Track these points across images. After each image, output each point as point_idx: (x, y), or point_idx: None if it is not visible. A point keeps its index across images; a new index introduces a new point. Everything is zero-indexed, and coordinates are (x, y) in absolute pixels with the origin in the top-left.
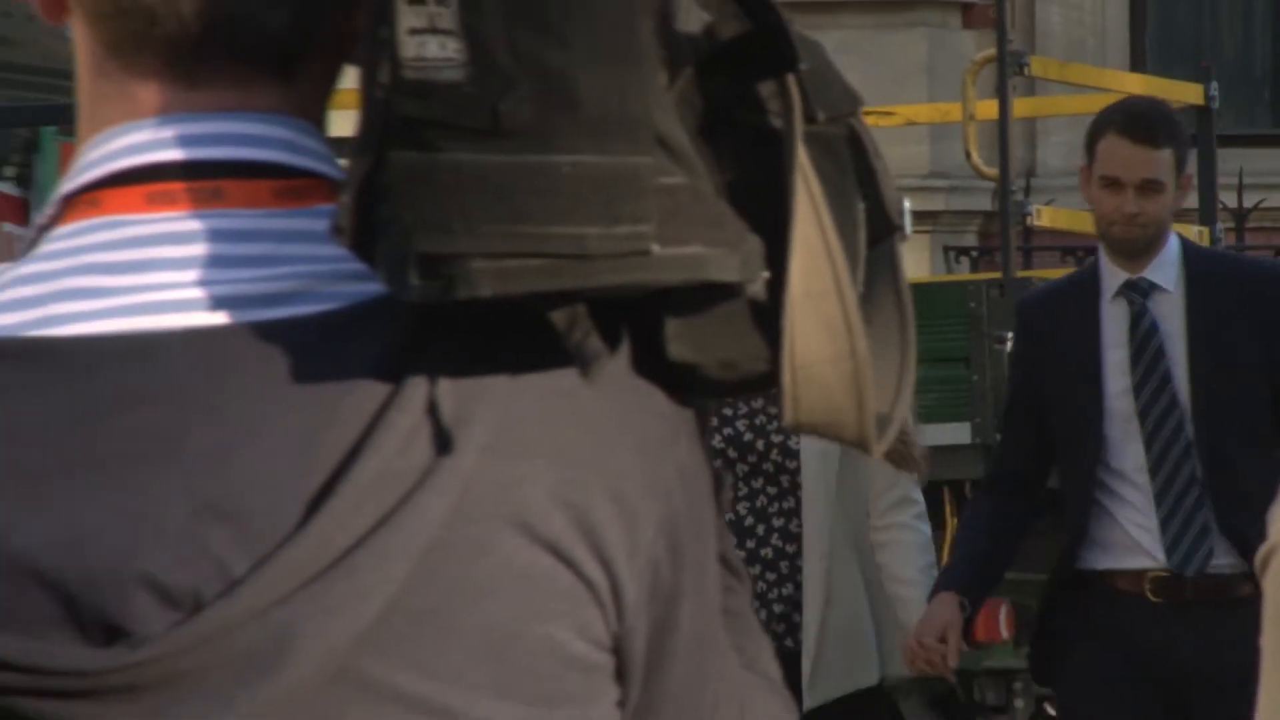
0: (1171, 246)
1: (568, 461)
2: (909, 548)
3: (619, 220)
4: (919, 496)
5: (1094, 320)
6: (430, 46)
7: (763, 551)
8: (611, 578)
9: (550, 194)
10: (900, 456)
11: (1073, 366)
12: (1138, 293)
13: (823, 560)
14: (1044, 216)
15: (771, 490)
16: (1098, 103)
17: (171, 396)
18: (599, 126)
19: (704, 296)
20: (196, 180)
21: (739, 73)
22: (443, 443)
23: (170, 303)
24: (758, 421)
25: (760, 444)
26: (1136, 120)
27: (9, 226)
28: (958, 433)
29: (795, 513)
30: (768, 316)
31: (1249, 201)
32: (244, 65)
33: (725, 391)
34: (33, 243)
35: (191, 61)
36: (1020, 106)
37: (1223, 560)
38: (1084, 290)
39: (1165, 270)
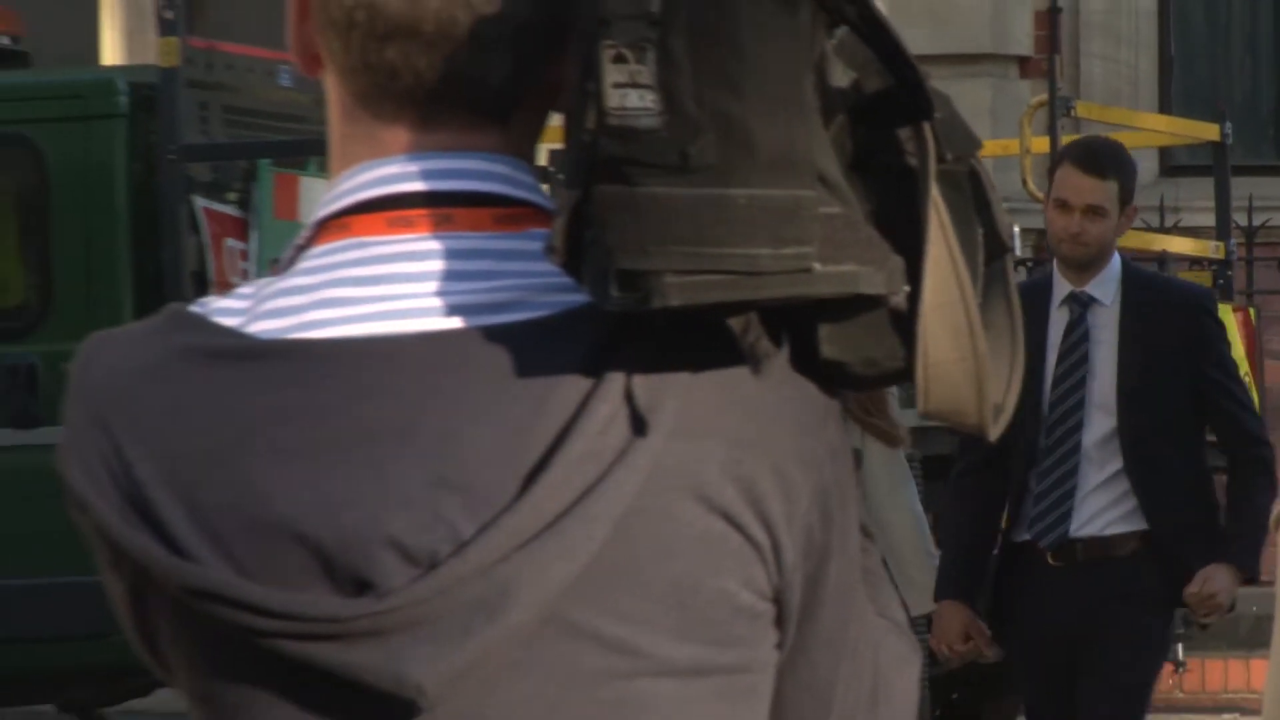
0: (1114, 266)
1: (738, 442)
2: (910, 529)
3: (786, 243)
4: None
5: (1042, 323)
6: (631, 98)
7: None
8: (773, 540)
9: (729, 221)
10: (890, 437)
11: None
12: (1079, 304)
13: None
14: None
15: None
16: (1131, 139)
17: (409, 388)
18: (770, 165)
19: (854, 306)
20: (430, 208)
21: (882, 120)
22: (638, 426)
23: (408, 310)
24: None
25: None
26: (1089, 154)
27: (230, 241)
28: None
29: None
30: (904, 322)
31: (1257, 220)
32: (470, 112)
33: (866, 385)
34: (291, 260)
35: (426, 109)
36: (1067, 142)
37: (1114, 528)
38: (1038, 296)
39: (1106, 286)
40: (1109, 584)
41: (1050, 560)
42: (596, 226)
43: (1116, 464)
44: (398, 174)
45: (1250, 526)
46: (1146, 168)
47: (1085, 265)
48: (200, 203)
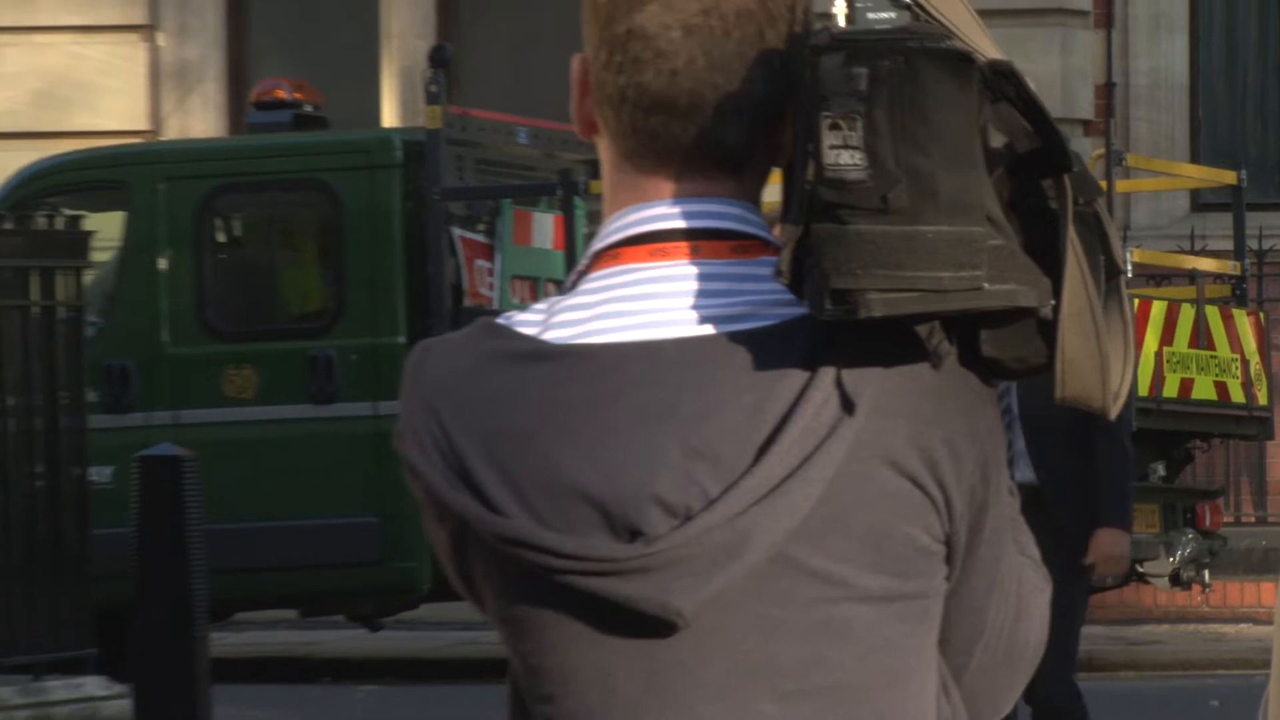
0: None
1: (920, 421)
2: None
3: (963, 268)
4: None
5: None
6: (843, 157)
7: None
8: (946, 496)
9: (919, 252)
10: None
11: None
12: None
13: None
14: (1135, 255)
15: None
16: (1169, 183)
17: (667, 381)
18: (950, 208)
19: (1011, 316)
20: (682, 241)
21: (1030, 172)
22: (846, 408)
23: (666, 321)
24: None
25: None
26: None
27: (480, 262)
28: None
29: None
30: (1046, 328)
31: (1266, 245)
32: (713, 167)
33: (1015, 377)
34: (574, 283)
35: (679, 165)
36: (1120, 185)
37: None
38: None
39: None
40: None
41: None
42: (815, 255)
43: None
44: (657, 215)
45: (1109, 488)
46: (1180, 205)
47: None
48: (457, 232)
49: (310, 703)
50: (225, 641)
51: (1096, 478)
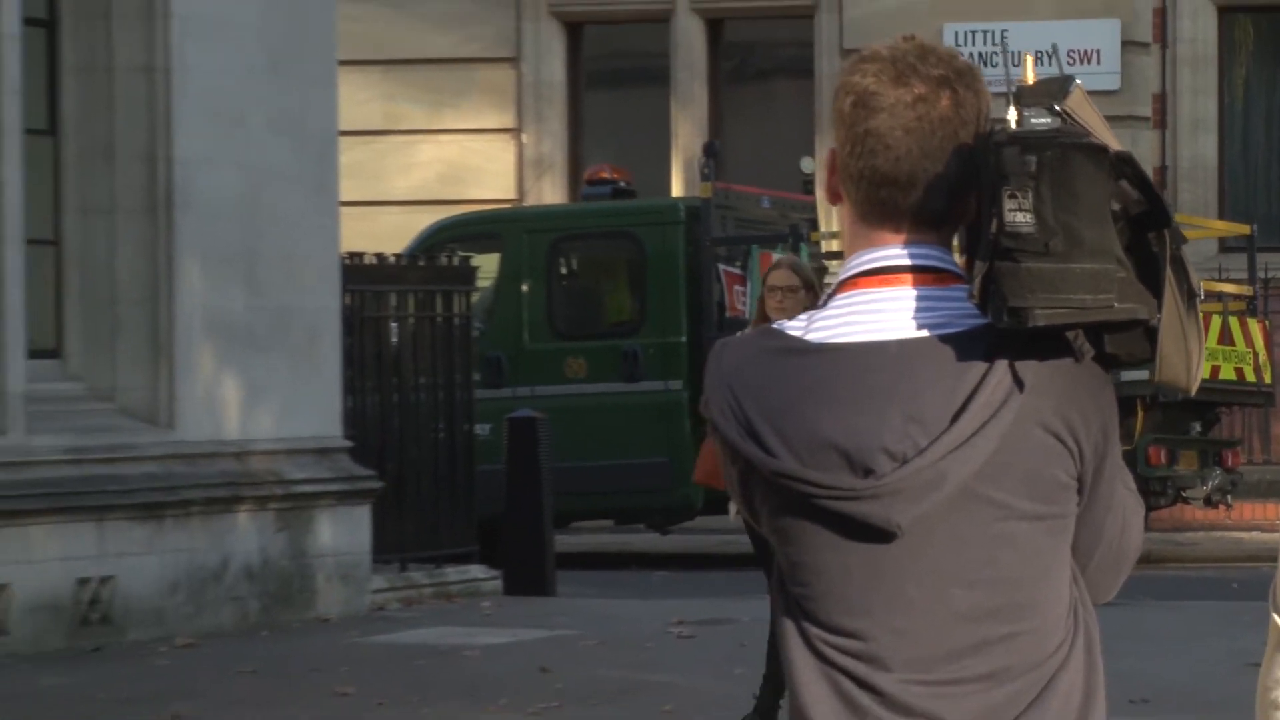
0: None
1: (1062, 397)
2: None
3: (1100, 293)
4: None
5: None
6: (1018, 217)
7: None
8: (1080, 449)
9: (1070, 282)
10: None
11: None
12: None
13: None
14: None
15: None
16: (1205, 233)
17: (890, 369)
18: (1091, 252)
19: (1130, 326)
20: (901, 274)
21: (1141, 227)
22: (1017, 387)
23: (890, 328)
24: None
25: None
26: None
27: (737, 287)
28: (1141, 374)
29: None
30: (1150, 333)
31: (1270, 275)
32: (922, 224)
33: (1125, 367)
34: (825, 302)
35: (899, 222)
36: None
37: None
38: None
39: None
40: None
41: None
42: (996, 284)
43: None
44: (884, 256)
45: None
46: (1211, 248)
47: None
48: (721, 267)
49: (622, 584)
50: (565, 541)
51: None
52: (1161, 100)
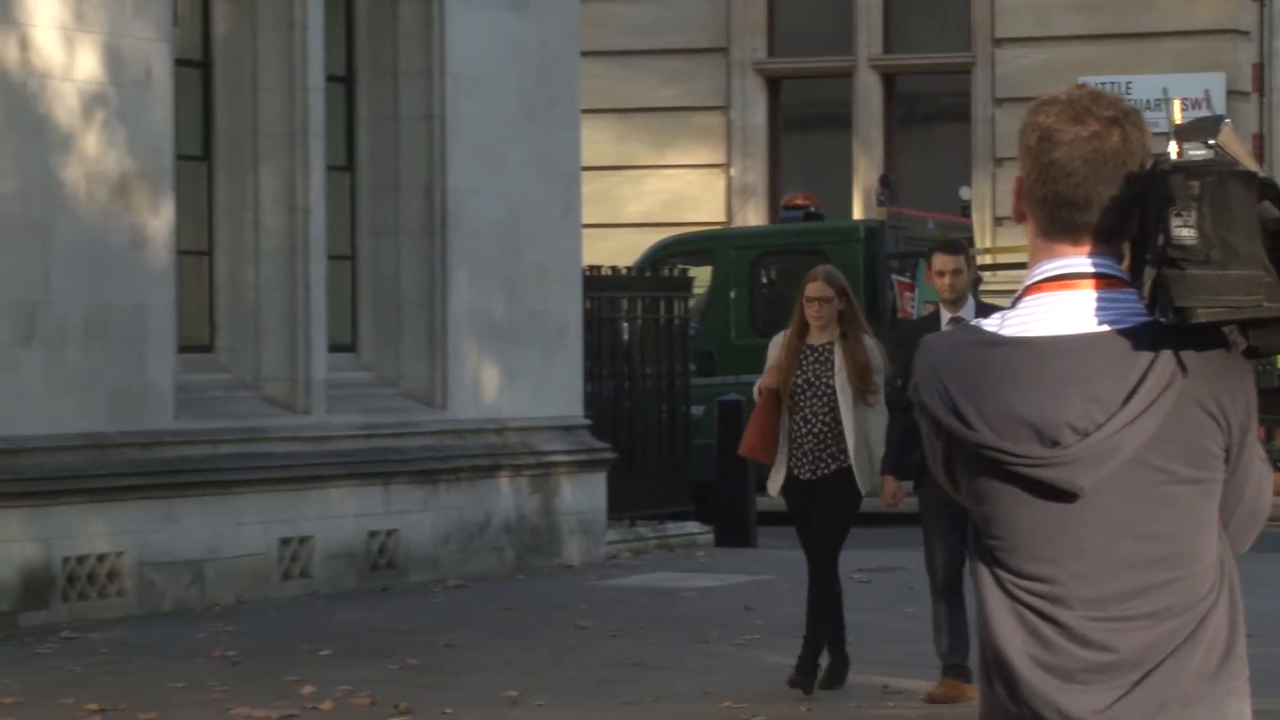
0: (971, 302)
1: (1215, 380)
2: (879, 427)
3: (1250, 295)
4: (882, 404)
5: None
6: (1183, 232)
7: (814, 429)
8: (1228, 424)
9: (1227, 286)
10: (871, 390)
11: None
12: (956, 322)
13: (850, 431)
14: None
15: (821, 403)
16: None
17: (1071, 358)
18: (1244, 260)
19: (1272, 323)
20: (1079, 280)
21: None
22: (1181, 372)
23: (1069, 324)
24: (817, 373)
25: (818, 383)
26: (945, 244)
27: (907, 294)
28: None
29: (832, 413)
30: None
31: None
32: (1096, 238)
33: (1262, 357)
34: (1014, 303)
35: (1076, 237)
36: None
37: None
38: (933, 322)
39: (968, 312)
40: None
41: None
42: (1163, 287)
43: None
44: (1063, 265)
45: None
46: None
47: (955, 302)
48: (894, 277)
49: None
50: (764, 502)
51: None
52: (1260, 139)
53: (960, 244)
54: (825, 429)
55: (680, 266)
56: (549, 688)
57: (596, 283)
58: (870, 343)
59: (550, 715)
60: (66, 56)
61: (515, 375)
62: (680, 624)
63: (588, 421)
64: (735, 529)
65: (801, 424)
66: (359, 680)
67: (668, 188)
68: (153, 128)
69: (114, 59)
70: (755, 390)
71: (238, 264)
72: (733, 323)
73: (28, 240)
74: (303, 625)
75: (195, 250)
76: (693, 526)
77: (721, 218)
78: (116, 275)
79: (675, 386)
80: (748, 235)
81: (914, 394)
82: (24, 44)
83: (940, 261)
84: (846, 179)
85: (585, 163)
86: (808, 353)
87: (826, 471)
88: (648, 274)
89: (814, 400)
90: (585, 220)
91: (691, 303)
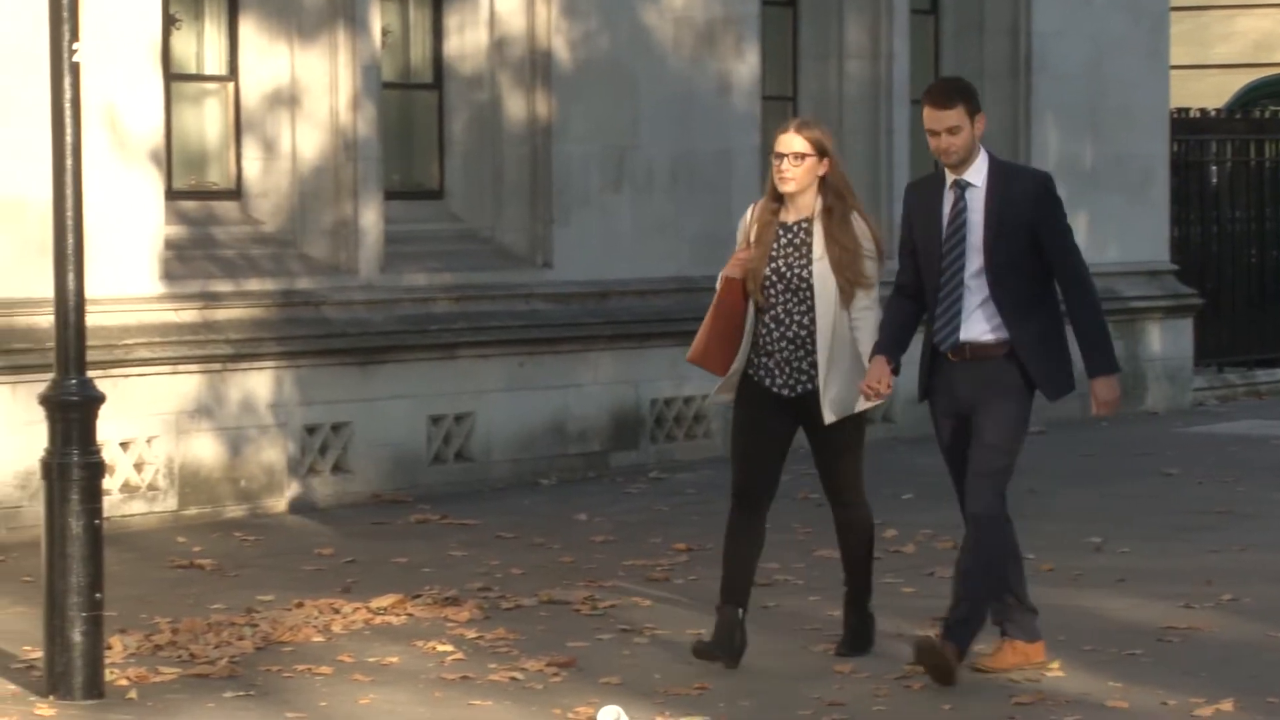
0: (982, 160)
1: None
2: (868, 329)
3: None
4: (874, 302)
5: (938, 201)
6: None
7: (789, 333)
8: None
9: None
10: (862, 285)
11: (927, 226)
12: (959, 188)
13: (826, 339)
14: None
15: (796, 299)
16: None
17: None
18: None
19: None
20: None
21: None
22: None
23: None
24: (789, 260)
25: (790, 273)
26: (933, 91)
27: None
28: None
29: (810, 311)
30: None
31: None
32: None
33: None
34: None
35: None
36: None
37: (987, 336)
38: (936, 183)
39: (976, 174)
40: (986, 375)
41: (949, 357)
42: None
43: (986, 292)
44: None
45: (1090, 336)
46: None
47: (958, 165)
48: None
49: None
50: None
51: (1079, 331)
52: None
53: (951, 93)
54: (801, 333)
55: (1272, 108)
56: (1131, 535)
57: (1184, 125)
58: (860, 226)
59: (1133, 562)
60: None
61: (1100, 220)
62: (1269, 470)
63: (1174, 266)
64: None
65: (772, 326)
66: (938, 524)
67: (1259, 27)
68: None
69: None
70: (719, 281)
71: (822, 110)
72: None
73: (617, 87)
74: (884, 469)
75: (779, 96)
76: None
77: None
78: (702, 121)
79: (1266, 230)
80: None
81: None
82: None
83: (927, 118)
84: None
85: (1174, 3)
86: (780, 233)
87: (809, 388)
88: (1238, 116)
89: (786, 295)
90: (1172, 62)
91: None
